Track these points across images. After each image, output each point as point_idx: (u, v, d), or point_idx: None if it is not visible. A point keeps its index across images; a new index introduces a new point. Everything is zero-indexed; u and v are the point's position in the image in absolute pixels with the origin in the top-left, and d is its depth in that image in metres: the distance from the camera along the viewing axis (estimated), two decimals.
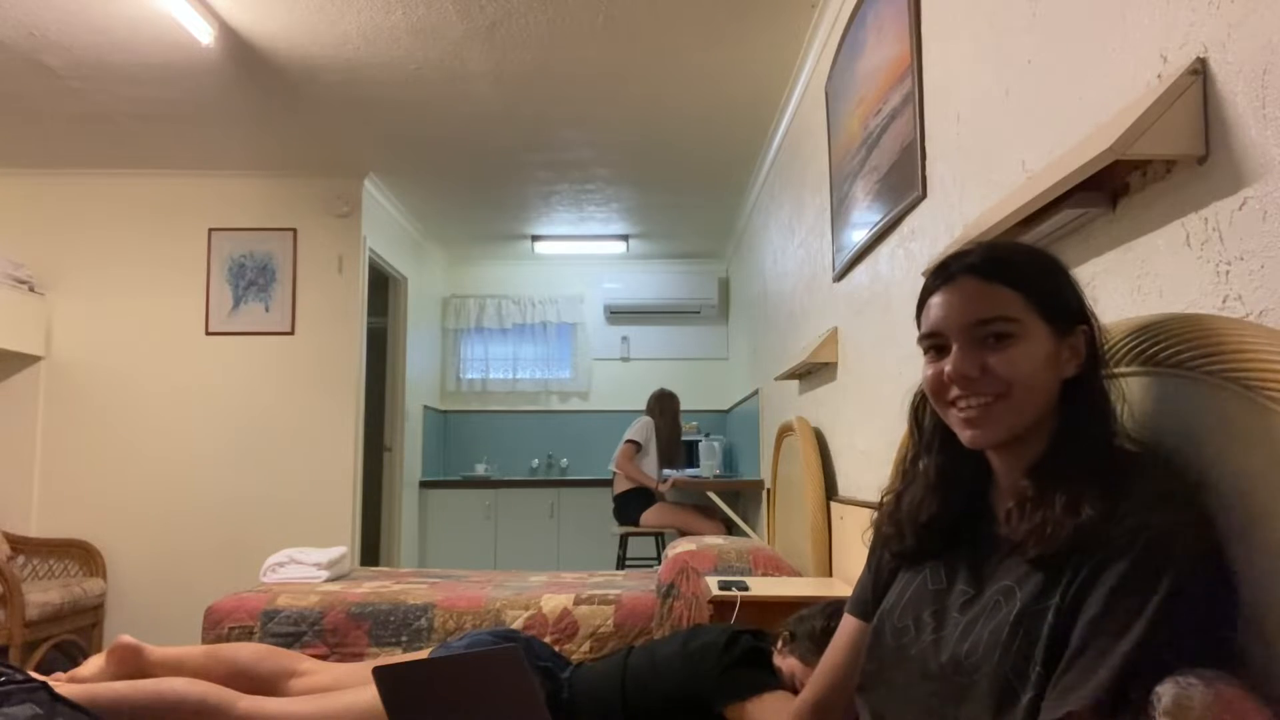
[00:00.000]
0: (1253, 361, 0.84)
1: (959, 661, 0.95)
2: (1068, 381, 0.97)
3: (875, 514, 1.18)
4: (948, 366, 0.98)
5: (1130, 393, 1.03)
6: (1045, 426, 0.97)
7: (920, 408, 1.11)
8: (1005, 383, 0.95)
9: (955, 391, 0.98)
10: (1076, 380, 0.97)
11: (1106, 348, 1.04)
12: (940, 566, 1.06)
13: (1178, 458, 0.94)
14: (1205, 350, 0.90)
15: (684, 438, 5.94)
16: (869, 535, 1.21)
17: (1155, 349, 0.98)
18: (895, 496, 1.13)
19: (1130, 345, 1.03)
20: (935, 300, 1.01)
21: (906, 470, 1.12)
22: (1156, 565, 0.82)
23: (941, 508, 1.06)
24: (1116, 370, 1.05)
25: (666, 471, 5.02)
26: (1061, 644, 0.86)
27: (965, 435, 0.99)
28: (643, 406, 5.30)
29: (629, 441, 4.90)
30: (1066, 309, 0.98)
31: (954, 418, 1.00)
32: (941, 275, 1.02)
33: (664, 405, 5.16)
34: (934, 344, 1.01)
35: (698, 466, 5.57)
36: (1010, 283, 0.97)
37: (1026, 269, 0.99)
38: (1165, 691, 0.78)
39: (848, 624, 1.22)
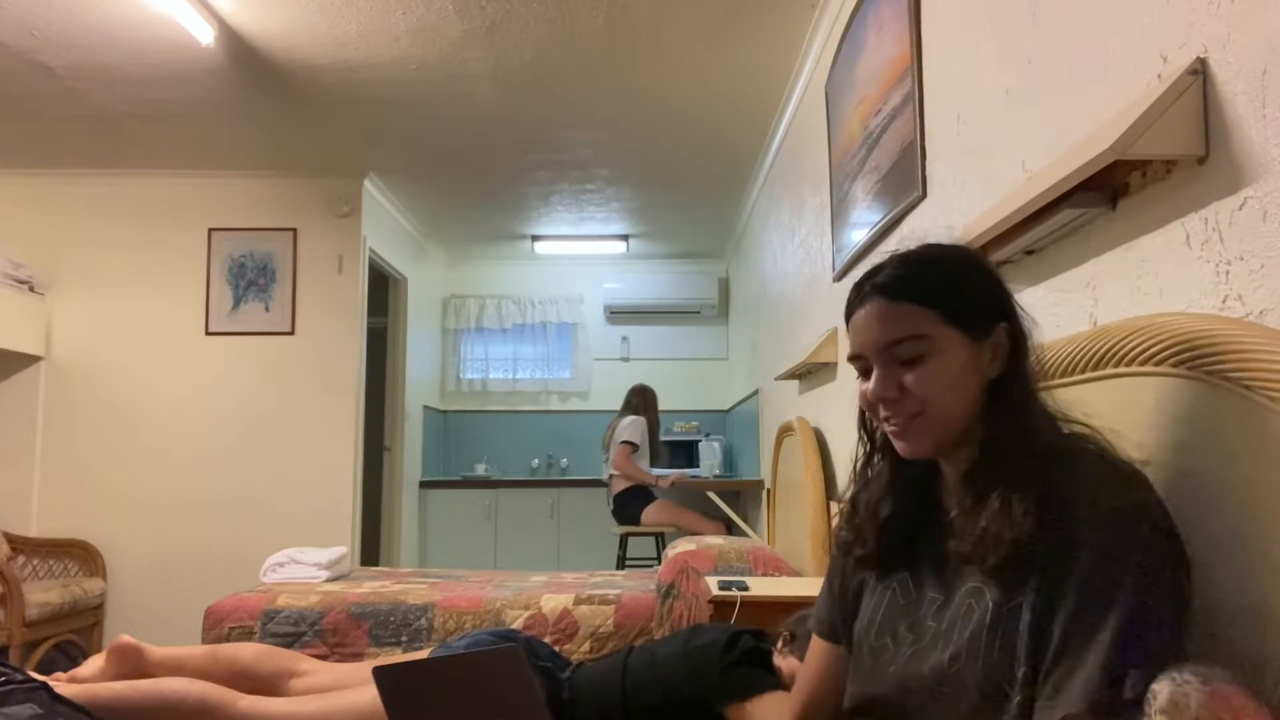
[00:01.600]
0: (1253, 361, 0.84)
1: (942, 670, 0.95)
2: (994, 381, 0.98)
3: (835, 526, 1.18)
4: (869, 387, 1.00)
5: (1129, 394, 1.03)
6: (976, 429, 0.98)
7: (868, 415, 1.11)
8: (922, 400, 0.97)
9: (883, 411, 1.01)
10: (1001, 379, 0.98)
11: (1106, 349, 1.04)
12: (907, 579, 1.06)
13: (1116, 439, 0.94)
14: (1205, 350, 0.90)
15: (685, 438, 5.96)
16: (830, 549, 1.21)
17: (1155, 349, 0.98)
18: (851, 501, 1.13)
19: (1130, 345, 1.03)
20: (853, 322, 1.04)
21: (861, 473, 1.13)
22: (1123, 549, 0.83)
23: (898, 506, 1.07)
24: (1116, 371, 1.05)
25: (665, 471, 5.01)
26: (1042, 639, 0.87)
27: (898, 447, 1.02)
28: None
29: (626, 443, 4.87)
30: (981, 312, 0.98)
31: (888, 430, 1.02)
32: (856, 295, 1.04)
33: (648, 400, 5.12)
34: (861, 365, 1.03)
35: (698, 466, 5.57)
36: (919, 299, 0.98)
37: (935, 281, 1.00)
38: (1161, 689, 0.78)
39: (816, 645, 1.22)
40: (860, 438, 1.14)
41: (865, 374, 1.03)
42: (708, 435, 5.89)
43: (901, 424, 0.99)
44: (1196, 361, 0.91)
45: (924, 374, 0.96)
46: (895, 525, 1.06)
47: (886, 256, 1.05)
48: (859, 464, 1.13)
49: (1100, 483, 0.87)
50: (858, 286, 1.04)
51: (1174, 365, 0.95)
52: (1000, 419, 0.96)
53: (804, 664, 1.24)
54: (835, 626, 1.17)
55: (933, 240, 1.06)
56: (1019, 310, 1.01)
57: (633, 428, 4.90)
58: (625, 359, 6.37)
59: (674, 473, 5.05)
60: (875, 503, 1.08)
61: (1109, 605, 0.82)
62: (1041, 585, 0.88)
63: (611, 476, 4.97)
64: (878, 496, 1.08)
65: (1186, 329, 0.94)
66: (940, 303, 0.97)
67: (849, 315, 1.05)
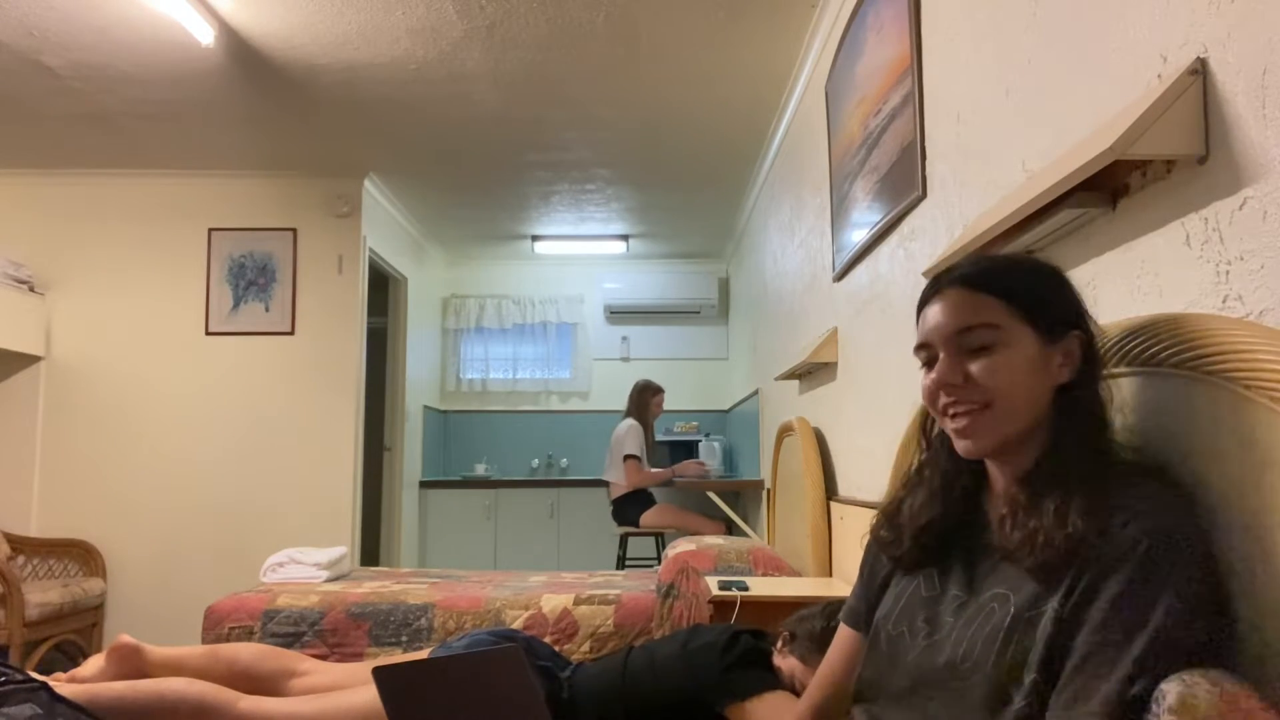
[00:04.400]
0: (1253, 361, 0.84)
1: (954, 666, 0.96)
2: (1062, 387, 0.97)
3: (873, 519, 1.19)
4: (934, 375, 1.00)
5: (1129, 393, 1.03)
6: (1039, 433, 0.98)
7: (928, 420, 1.12)
8: (987, 391, 0.96)
9: (944, 399, 1.00)
10: (1070, 386, 0.97)
11: (1105, 348, 1.04)
12: (934, 573, 1.07)
13: (1172, 464, 0.95)
14: (1205, 350, 0.90)
15: (685, 438, 5.95)
16: (866, 540, 1.22)
17: (1155, 349, 0.98)
18: (897, 502, 1.14)
19: (1129, 345, 1.03)
20: (926, 312, 1.04)
21: (911, 478, 1.14)
22: (1158, 574, 0.83)
23: (940, 513, 1.07)
24: (1116, 371, 1.05)
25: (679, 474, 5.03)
26: (1059, 652, 0.86)
27: (959, 445, 1.01)
28: None
29: (630, 458, 4.85)
30: (1056, 315, 0.98)
31: (949, 427, 1.02)
32: (933, 288, 1.05)
33: (638, 400, 5.11)
34: (926, 355, 1.04)
35: None
36: (995, 291, 0.99)
37: (1013, 277, 1.01)
38: (1170, 690, 0.78)
39: (842, 634, 1.24)
40: (919, 442, 1.14)
41: (930, 364, 1.03)
42: (708, 435, 5.89)
43: (965, 419, 0.98)
44: (1196, 361, 0.91)
45: (991, 364, 0.96)
46: (932, 530, 1.07)
47: (965, 257, 1.08)
48: (914, 468, 1.14)
49: (1154, 505, 0.87)
50: (934, 280, 1.05)
51: (1174, 365, 0.95)
52: (1067, 426, 0.96)
53: (829, 652, 1.26)
54: (861, 615, 1.19)
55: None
56: (1094, 326, 1.01)
57: (630, 438, 4.89)
58: (625, 359, 6.37)
59: (685, 464, 5.08)
60: (918, 508, 1.09)
61: (1140, 624, 0.82)
62: (1069, 595, 0.87)
63: (610, 481, 4.98)
64: (921, 502, 1.09)
65: (1186, 329, 0.94)
66: (1017, 297, 0.98)
67: (921, 308, 1.06)
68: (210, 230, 4.54)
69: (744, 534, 4.28)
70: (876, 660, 1.10)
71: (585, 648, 2.78)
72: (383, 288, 5.32)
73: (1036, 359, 0.96)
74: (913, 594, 1.08)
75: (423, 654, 2.44)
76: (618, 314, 6.36)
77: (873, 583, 1.18)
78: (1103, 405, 0.97)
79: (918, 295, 1.08)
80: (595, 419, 6.20)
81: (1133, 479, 0.91)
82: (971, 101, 1.73)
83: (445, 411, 6.34)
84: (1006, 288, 0.99)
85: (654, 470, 4.93)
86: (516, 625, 2.80)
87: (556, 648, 2.51)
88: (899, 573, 1.13)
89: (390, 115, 3.80)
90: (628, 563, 4.96)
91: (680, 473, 4.99)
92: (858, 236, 2.51)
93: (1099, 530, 0.87)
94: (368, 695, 1.83)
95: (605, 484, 5.09)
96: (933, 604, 1.04)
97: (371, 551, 5.16)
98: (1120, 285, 1.21)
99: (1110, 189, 1.22)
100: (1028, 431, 0.97)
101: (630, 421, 4.99)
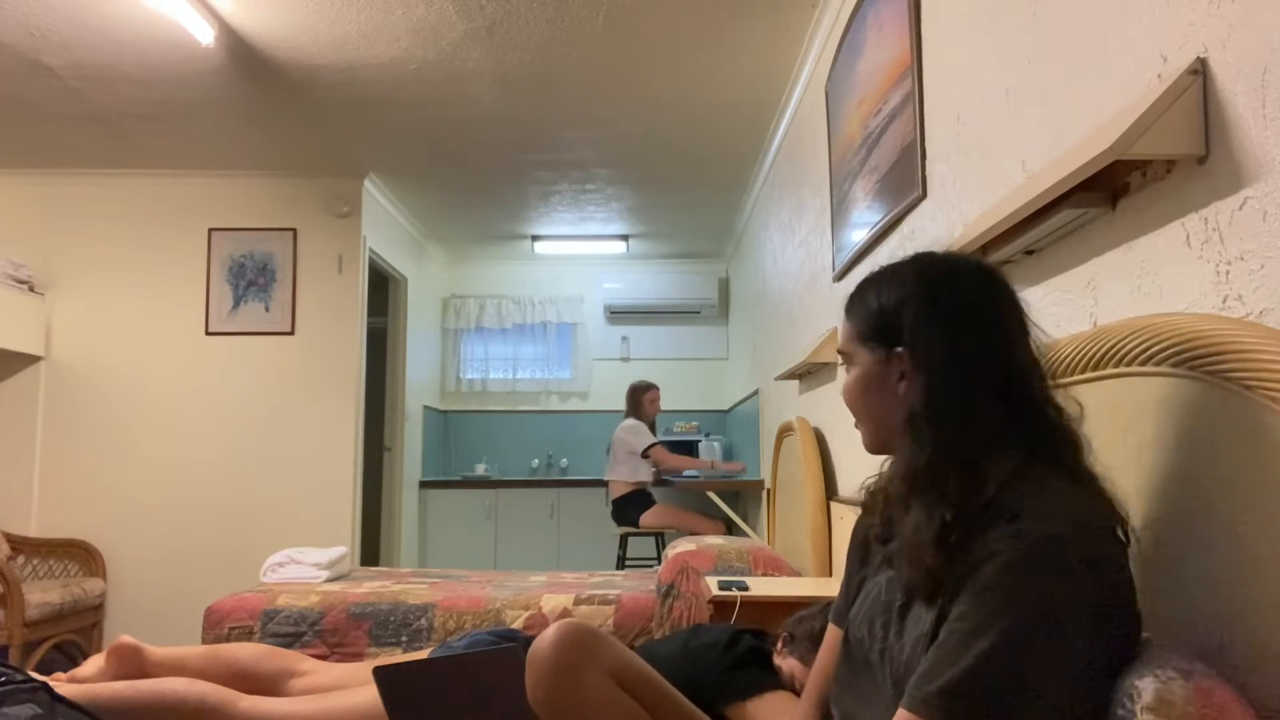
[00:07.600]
0: (1253, 361, 0.84)
1: (897, 674, 0.98)
2: (911, 400, 1.00)
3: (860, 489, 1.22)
4: None
5: (1130, 394, 1.03)
6: (902, 439, 1.03)
7: None
8: (849, 407, 1.09)
9: None
10: (916, 400, 0.99)
11: (1106, 349, 1.05)
12: (895, 576, 1.08)
13: (1074, 463, 0.96)
14: (1205, 350, 0.90)
15: (685, 438, 5.96)
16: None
17: (1155, 349, 0.98)
18: (869, 492, 1.17)
19: (1130, 345, 1.03)
20: None
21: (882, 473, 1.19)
22: (1020, 576, 0.84)
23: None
24: (1116, 371, 1.05)
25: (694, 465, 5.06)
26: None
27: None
28: None
29: (655, 445, 4.90)
30: (890, 332, 1.02)
31: None
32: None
33: (633, 401, 5.14)
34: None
35: None
36: (849, 315, 1.10)
37: (862, 298, 1.09)
38: (1146, 687, 0.78)
39: (831, 632, 1.26)
40: None
41: None
42: (708, 435, 5.89)
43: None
44: (1196, 361, 0.91)
45: (846, 384, 1.08)
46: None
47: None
48: (884, 462, 1.17)
49: (1036, 509, 0.87)
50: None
51: (1174, 365, 0.95)
52: (909, 437, 0.98)
53: (821, 651, 1.27)
54: (843, 613, 1.21)
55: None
56: (947, 336, 0.98)
57: (638, 434, 4.92)
58: (625, 359, 6.38)
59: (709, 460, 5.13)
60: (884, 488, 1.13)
61: (994, 620, 0.83)
62: (949, 594, 0.90)
63: (610, 481, 4.99)
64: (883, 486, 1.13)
65: (1186, 329, 0.94)
66: (859, 319, 1.07)
67: None
68: (210, 230, 4.54)
69: (744, 534, 4.28)
70: (847, 660, 1.13)
71: None
72: (383, 288, 5.32)
73: (873, 375, 1.04)
74: (875, 597, 1.10)
75: (423, 654, 2.44)
76: (618, 314, 6.36)
77: (852, 581, 1.20)
78: (952, 414, 0.95)
79: None
80: (595, 419, 6.20)
81: (1016, 480, 0.91)
82: (971, 101, 1.73)
83: (445, 411, 6.34)
84: (854, 311, 1.08)
85: (679, 456, 4.99)
86: (516, 625, 2.80)
87: None
88: (870, 573, 1.15)
89: (390, 115, 3.80)
90: (628, 563, 4.96)
91: (707, 468, 5.01)
92: (858, 236, 2.51)
93: (971, 538, 0.89)
94: (368, 695, 1.83)
95: (605, 484, 5.09)
96: (888, 609, 1.06)
97: (371, 551, 5.17)
98: (1120, 285, 1.21)
99: (1110, 189, 1.22)
100: (894, 438, 1.03)
101: (632, 420, 5.01)
